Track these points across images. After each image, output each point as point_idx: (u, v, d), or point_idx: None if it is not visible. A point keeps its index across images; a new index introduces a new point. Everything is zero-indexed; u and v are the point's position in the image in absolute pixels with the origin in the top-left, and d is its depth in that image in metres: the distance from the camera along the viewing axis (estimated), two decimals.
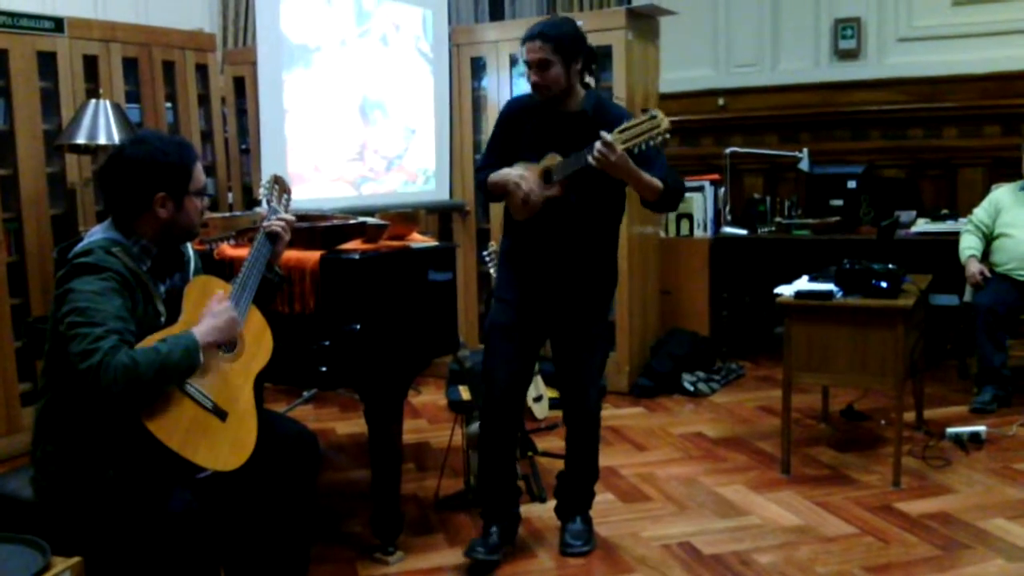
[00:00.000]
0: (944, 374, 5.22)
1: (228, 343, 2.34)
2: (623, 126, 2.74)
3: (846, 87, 6.26)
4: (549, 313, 3.04)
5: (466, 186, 5.39)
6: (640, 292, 5.19)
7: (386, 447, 3.04)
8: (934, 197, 5.95)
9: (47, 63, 4.33)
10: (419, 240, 3.32)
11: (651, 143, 2.74)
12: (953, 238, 4.94)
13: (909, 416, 4.27)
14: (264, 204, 2.75)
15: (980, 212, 4.85)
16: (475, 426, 3.40)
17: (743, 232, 5.77)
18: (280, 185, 2.83)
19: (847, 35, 6.25)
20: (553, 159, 2.90)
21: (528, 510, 3.47)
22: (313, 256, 2.95)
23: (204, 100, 5.11)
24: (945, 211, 5.61)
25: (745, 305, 6.06)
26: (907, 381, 3.73)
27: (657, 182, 2.84)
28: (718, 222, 5.80)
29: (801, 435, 4.28)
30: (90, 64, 4.48)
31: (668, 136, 2.72)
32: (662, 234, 5.64)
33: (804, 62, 6.44)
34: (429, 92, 5.25)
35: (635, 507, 3.54)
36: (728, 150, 6.06)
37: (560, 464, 3.32)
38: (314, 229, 3.06)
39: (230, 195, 5.28)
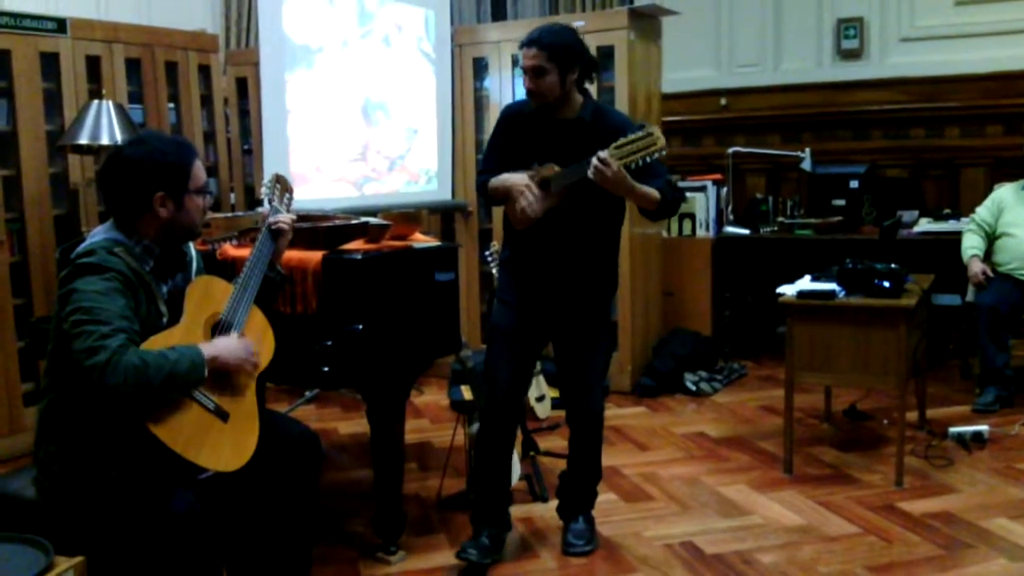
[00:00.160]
0: (946, 374, 5.21)
1: (233, 369, 2.32)
2: (620, 142, 2.74)
3: (848, 87, 6.26)
4: (550, 316, 3.05)
5: (468, 186, 5.39)
6: (642, 292, 5.19)
7: (388, 447, 3.04)
8: (936, 197, 5.94)
9: (50, 64, 4.33)
10: (421, 240, 3.33)
11: (648, 159, 2.74)
12: (955, 238, 4.93)
13: (911, 416, 4.27)
14: (266, 204, 2.76)
15: (982, 212, 4.84)
16: (477, 426, 3.40)
17: (745, 232, 5.77)
18: (282, 185, 2.84)
19: (849, 35, 6.25)
20: (551, 169, 2.89)
21: (530, 510, 3.48)
22: (315, 256, 2.95)
23: (207, 101, 5.12)
24: (947, 211, 5.61)
25: (747, 305, 6.07)
26: (909, 381, 3.72)
27: (655, 193, 2.84)
28: (720, 222, 5.80)
29: (803, 435, 4.28)
30: (93, 65, 4.49)
31: (664, 152, 2.73)
32: (664, 234, 5.64)
33: (806, 62, 6.43)
34: (431, 92, 5.26)
35: (637, 507, 3.54)
36: (730, 150, 6.06)
37: (562, 464, 3.32)
38: (316, 229, 3.06)
39: (232, 195, 5.28)
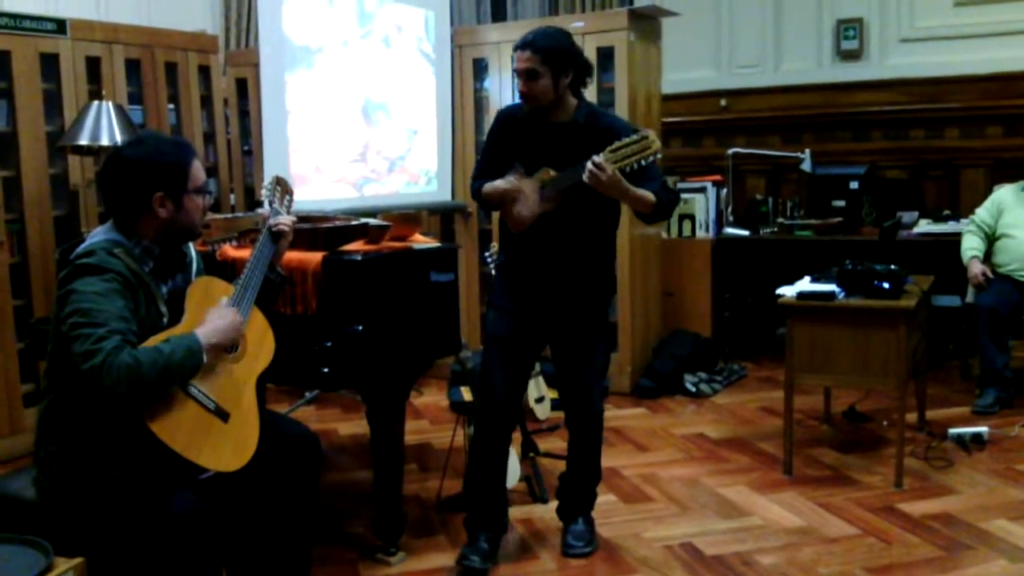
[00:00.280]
0: (946, 375, 5.21)
1: (230, 345, 2.35)
2: (614, 146, 2.74)
3: (848, 88, 6.26)
4: (547, 321, 3.05)
5: (468, 187, 5.35)
6: (642, 293, 5.19)
7: (388, 448, 3.04)
8: (936, 198, 5.95)
9: (50, 65, 4.33)
10: (421, 241, 3.33)
11: (643, 163, 2.75)
12: (955, 239, 4.93)
13: (911, 417, 4.27)
14: (266, 205, 2.75)
15: (982, 213, 4.84)
16: None
17: (745, 233, 5.76)
18: (282, 186, 2.84)
19: (849, 36, 6.25)
20: (547, 173, 2.90)
21: (530, 511, 3.48)
22: (315, 257, 2.95)
23: (206, 101, 5.12)
24: (947, 212, 5.61)
25: (747, 306, 6.06)
26: (909, 382, 3.72)
27: (650, 196, 2.85)
28: (720, 223, 5.80)
29: (803, 436, 4.28)
30: (92, 66, 4.49)
31: (659, 156, 2.73)
32: (664, 235, 5.64)
33: (806, 63, 6.44)
34: (431, 93, 5.26)
35: (637, 508, 3.54)
36: (730, 151, 6.05)
37: (562, 465, 3.32)
38: (316, 230, 3.06)
39: (232, 196, 5.29)
